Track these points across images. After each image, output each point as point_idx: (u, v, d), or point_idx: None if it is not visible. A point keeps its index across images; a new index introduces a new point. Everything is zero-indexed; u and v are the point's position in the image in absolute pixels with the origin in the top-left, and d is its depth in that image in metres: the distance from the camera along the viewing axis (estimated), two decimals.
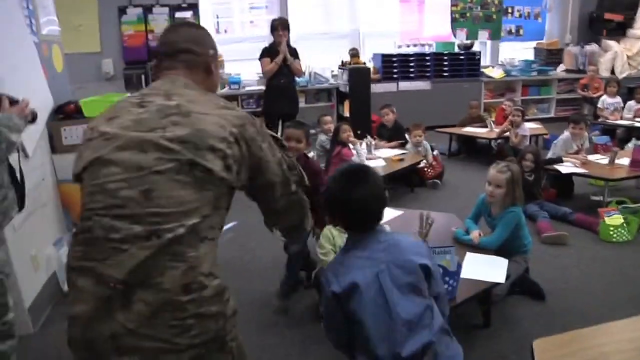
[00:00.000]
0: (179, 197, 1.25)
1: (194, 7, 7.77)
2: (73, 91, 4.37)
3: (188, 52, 1.50)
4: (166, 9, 7.59)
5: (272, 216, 1.65)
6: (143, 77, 7.50)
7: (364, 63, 7.89)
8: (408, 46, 8.49)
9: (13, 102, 2.22)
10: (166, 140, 1.27)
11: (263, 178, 1.46)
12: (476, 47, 8.72)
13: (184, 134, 1.29)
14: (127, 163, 1.27)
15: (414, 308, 1.66)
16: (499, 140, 6.23)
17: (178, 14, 7.70)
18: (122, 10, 7.47)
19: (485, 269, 2.71)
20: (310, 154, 3.14)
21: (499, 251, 2.95)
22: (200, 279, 1.27)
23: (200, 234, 1.29)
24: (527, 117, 6.62)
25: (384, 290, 1.67)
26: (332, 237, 3.00)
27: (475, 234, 3.07)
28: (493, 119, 7.04)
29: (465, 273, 2.58)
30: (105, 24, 7.43)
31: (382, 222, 1.81)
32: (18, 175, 2.27)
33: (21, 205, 2.28)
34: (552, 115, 8.89)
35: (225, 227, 1.50)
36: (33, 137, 3.12)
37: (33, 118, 2.37)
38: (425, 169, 5.45)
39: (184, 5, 7.72)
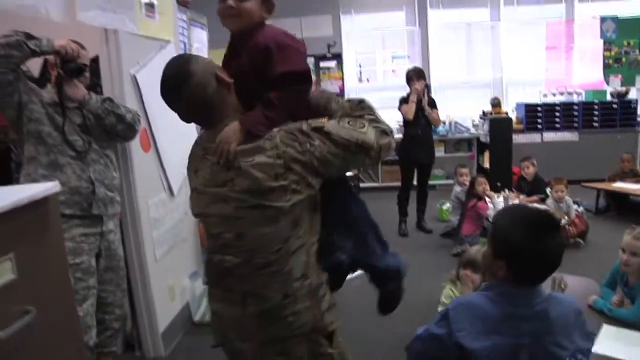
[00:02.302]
0: (262, 235, 1.54)
1: (338, 57, 8.15)
2: None
3: (205, 113, 1.59)
4: (311, 59, 8.01)
5: None
6: None
7: (506, 113, 7.68)
8: (554, 95, 8.08)
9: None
10: (236, 192, 1.53)
11: (333, 167, 1.56)
12: (632, 95, 7.98)
13: (246, 185, 1.51)
14: (218, 214, 1.59)
15: None
16: None
17: (323, 64, 8.14)
18: None
19: (626, 346, 2.42)
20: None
21: None
22: (295, 285, 1.57)
23: (288, 251, 1.56)
24: None
25: None
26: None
27: (615, 299, 2.80)
28: None
29: (600, 348, 2.33)
30: None
31: None
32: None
33: None
34: None
35: (350, 277, 1.79)
36: (179, 177, 3.45)
37: (78, 68, 2.51)
38: (567, 227, 5.08)
39: (328, 55, 8.12)
